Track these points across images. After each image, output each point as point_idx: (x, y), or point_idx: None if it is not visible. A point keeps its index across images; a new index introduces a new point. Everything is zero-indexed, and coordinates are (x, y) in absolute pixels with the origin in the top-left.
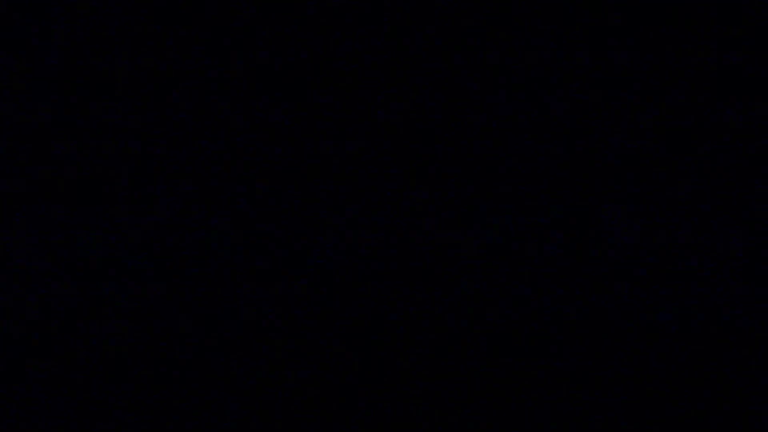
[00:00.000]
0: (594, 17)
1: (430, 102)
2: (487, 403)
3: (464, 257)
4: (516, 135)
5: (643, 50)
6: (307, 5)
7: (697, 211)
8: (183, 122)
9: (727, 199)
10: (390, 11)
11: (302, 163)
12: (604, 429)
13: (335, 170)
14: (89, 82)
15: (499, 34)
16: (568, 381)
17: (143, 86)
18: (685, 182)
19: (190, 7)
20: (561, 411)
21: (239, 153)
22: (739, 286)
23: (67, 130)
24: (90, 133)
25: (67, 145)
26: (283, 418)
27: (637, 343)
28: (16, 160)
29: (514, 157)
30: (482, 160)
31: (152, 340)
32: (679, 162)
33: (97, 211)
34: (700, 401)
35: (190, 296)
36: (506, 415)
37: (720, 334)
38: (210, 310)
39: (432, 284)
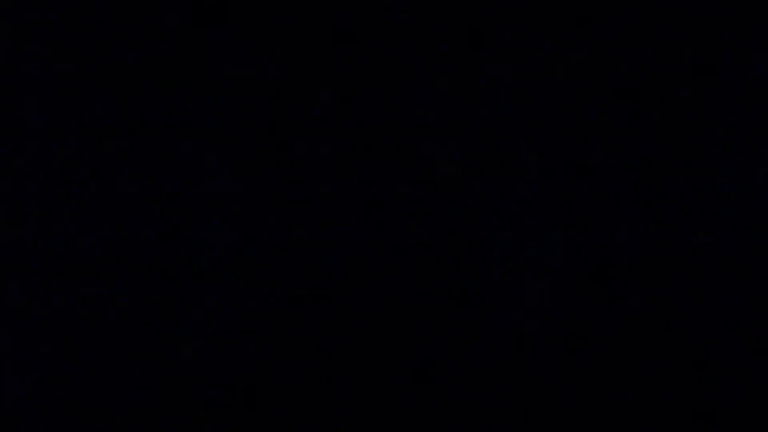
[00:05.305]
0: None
1: (430, 102)
2: (487, 403)
3: (464, 258)
4: (517, 136)
5: (642, 50)
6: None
7: (697, 211)
8: (182, 121)
9: (727, 199)
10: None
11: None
12: (604, 429)
13: (335, 171)
14: (88, 82)
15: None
16: (569, 382)
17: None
18: (685, 182)
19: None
20: (561, 411)
21: (239, 153)
22: (739, 286)
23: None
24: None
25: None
26: (283, 418)
27: (636, 344)
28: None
29: (514, 157)
30: (482, 160)
31: (151, 340)
32: (679, 162)
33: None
34: (699, 401)
35: (190, 296)
36: (507, 415)
37: (720, 335)
38: (208, 310)
39: (430, 285)
